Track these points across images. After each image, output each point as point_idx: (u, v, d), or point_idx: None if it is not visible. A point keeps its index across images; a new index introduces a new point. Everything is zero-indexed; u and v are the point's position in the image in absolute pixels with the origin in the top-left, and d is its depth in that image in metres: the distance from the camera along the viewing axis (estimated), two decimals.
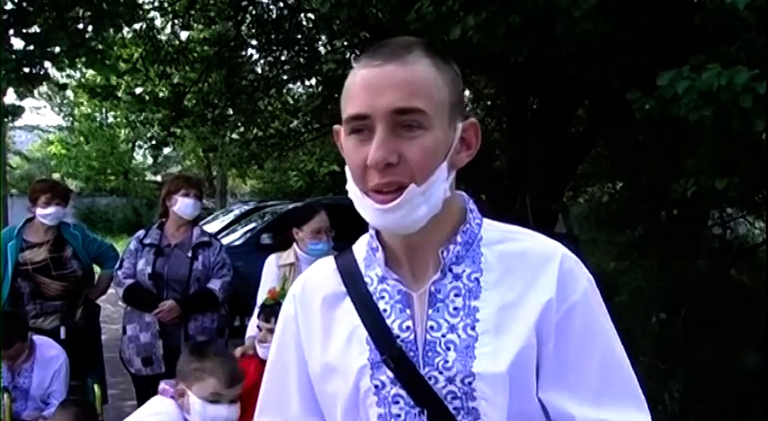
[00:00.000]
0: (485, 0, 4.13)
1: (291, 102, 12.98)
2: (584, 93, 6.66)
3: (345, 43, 10.25)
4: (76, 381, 3.77)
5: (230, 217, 12.27)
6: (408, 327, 1.13)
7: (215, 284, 3.93)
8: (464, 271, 1.14)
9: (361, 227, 1.19)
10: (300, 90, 13.19)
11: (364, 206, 1.10)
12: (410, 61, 1.08)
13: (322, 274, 1.25)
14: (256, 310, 3.42)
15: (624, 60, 4.62)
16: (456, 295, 1.13)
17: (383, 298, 1.16)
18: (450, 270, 1.14)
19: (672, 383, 4.78)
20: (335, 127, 1.18)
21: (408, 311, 1.14)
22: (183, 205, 3.95)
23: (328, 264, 1.25)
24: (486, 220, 1.19)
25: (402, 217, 1.07)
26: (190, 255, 3.93)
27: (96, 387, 3.79)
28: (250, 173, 17.59)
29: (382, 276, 1.17)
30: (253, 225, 10.14)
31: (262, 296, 3.56)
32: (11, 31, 6.27)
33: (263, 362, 3.01)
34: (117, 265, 4.07)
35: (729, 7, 3.23)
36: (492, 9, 4.04)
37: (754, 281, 5.86)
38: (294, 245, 3.88)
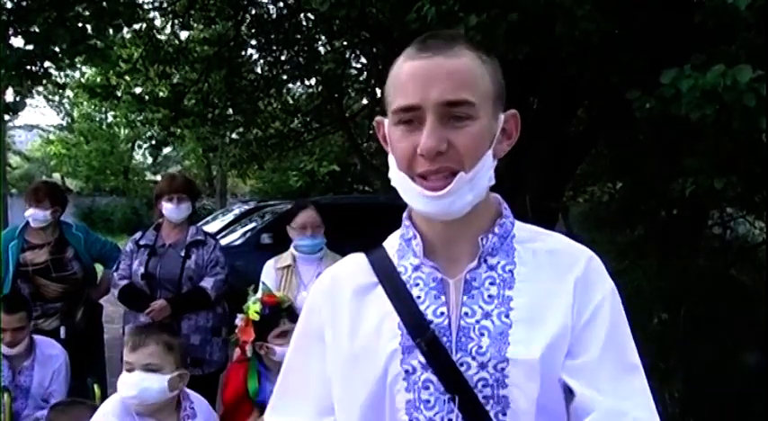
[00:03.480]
0: (485, 0, 4.13)
1: (291, 102, 12.98)
2: (585, 92, 6.65)
3: (345, 43, 10.25)
4: (76, 381, 3.77)
5: (230, 217, 12.29)
6: (443, 313, 1.14)
7: (207, 283, 3.92)
8: (499, 262, 1.16)
9: (362, 226, 1.20)
10: (300, 90, 13.20)
11: (412, 193, 1.12)
12: (456, 53, 1.11)
13: (351, 268, 1.25)
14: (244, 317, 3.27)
15: (624, 60, 4.61)
16: (491, 284, 1.14)
17: (417, 285, 1.17)
18: (485, 261, 1.16)
19: (672, 383, 4.78)
20: (378, 118, 1.21)
21: (443, 298, 1.14)
22: (167, 211, 3.97)
23: (358, 259, 1.26)
24: (517, 222, 1.23)
25: (450, 204, 1.10)
26: (183, 254, 3.93)
27: (96, 386, 3.78)
28: (250, 173, 17.57)
29: (417, 265, 1.18)
30: (252, 225, 10.15)
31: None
32: (11, 30, 6.27)
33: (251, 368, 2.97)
34: (114, 267, 4.08)
35: (730, 7, 3.22)
36: (493, 12, 4.03)
37: (754, 281, 5.85)
38: (291, 246, 3.89)
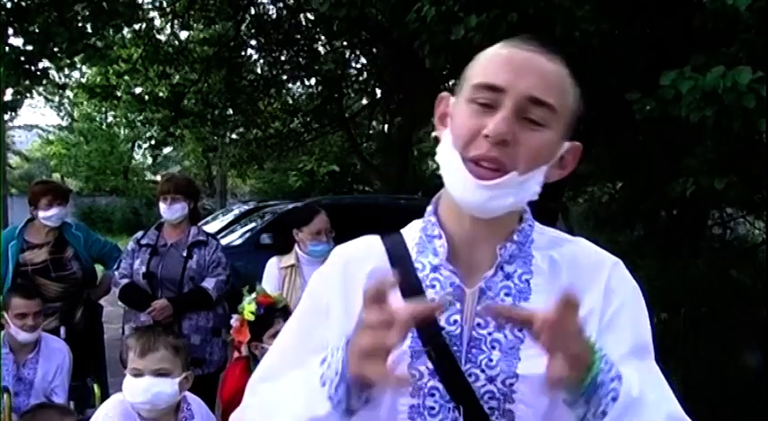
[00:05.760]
0: (485, 1, 4.14)
1: (291, 102, 13.00)
2: (584, 92, 6.65)
3: (345, 43, 10.26)
4: (76, 382, 3.77)
5: (230, 217, 12.28)
6: (456, 321, 1.10)
7: (209, 283, 3.92)
8: (515, 271, 1.13)
9: (361, 227, 1.17)
10: (300, 90, 13.22)
11: (459, 175, 1.06)
12: (557, 60, 1.10)
13: (367, 249, 1.19)
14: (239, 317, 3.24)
15: (624, 60, 4.61)
16: (506, 294, 1.11)
17: (434, 287, 1.13)
18: (502, 268, 1.12)
19: (672, 383, 4.78)
20: (443, 93, 1.15)
21: (458, 305, 1.11)
22: (162, 211, 3.99)
23: (373, 241, 1.20)
24: (537, 224, 1.18)
25: (490, 198, 1.04)
26: (185, 254, 3.94)
27: (96, 387, 3.79)
28: (250, 173, 17.59)
29: (436, 265, 1.14)
30: (252, 225, 10.13)
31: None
32: (10, 30, 6.28)
33: (247, 365, 2.97)
34: (115, 266, 4.10)
35: (730, 8, 3.22)
36: (493, 12, 4.03)
37: (755, 281, 5.86)
38: (296, 246, 3.88)
